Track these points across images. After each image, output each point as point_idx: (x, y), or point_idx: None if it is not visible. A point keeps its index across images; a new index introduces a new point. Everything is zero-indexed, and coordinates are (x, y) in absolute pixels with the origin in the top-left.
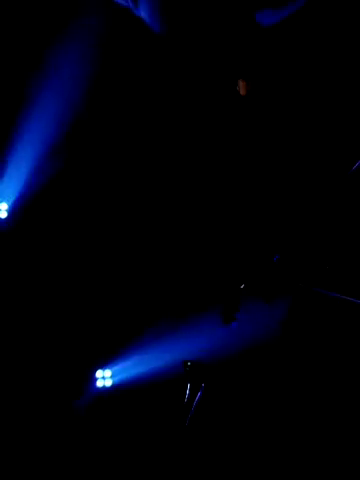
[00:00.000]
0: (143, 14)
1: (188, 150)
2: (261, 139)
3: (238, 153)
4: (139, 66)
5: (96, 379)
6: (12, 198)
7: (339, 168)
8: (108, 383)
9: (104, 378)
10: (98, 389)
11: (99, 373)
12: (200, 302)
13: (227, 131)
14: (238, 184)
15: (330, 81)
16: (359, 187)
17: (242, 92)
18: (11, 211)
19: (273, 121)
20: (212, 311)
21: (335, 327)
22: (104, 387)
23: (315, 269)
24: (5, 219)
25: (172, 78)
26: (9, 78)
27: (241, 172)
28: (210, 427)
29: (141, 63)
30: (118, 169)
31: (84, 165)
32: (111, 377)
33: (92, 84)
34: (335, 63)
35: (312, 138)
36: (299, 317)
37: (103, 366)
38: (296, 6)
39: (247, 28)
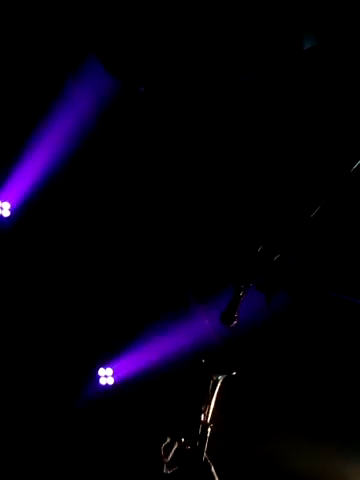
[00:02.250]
0: None
1: (189, 150)
2: (261, 139)
3: (238, 153)
4: (140, 66)
5: (98, 377)
6: (15, 197)
7: (339, 167)
8: (110, 381)
9: (106, 376)
10: (100, 387)
11: (101, 371)
12: (201, 298)
13: (227, 131)
14: (238, 183)
15: (330, 81)
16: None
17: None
18: (14, 210)
19: (273, 121)
20: (214, 307)
21: (335, 327)
22: (106, 385)
23: (316, 268)
24: (8, 218)
25: (172, 78)
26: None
27: (241, 172)
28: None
29: (141, 62)
30: (120, 168)
31: (86, 164)
32: (113, 375)
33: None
34: (335, 63)
35: (312, 138)
36: (299, 316)
37: (105, 364)
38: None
39: (247, 30)
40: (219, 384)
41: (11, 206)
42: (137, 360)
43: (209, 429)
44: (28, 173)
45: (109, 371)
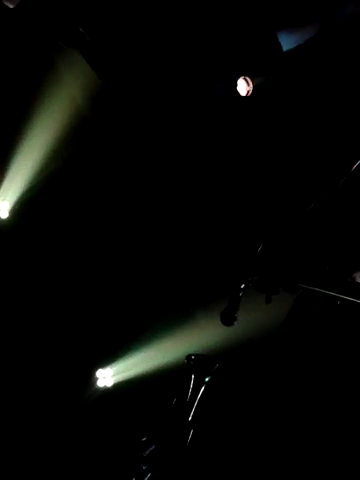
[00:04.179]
0: None
1: (188, 151)
2: (261, 139)
3: (238, 153)
4: (139, 65)
5: (97, 379)
6: (14, 197)
7: (339, 168)
8: (109, 382)
9: (105, 377)
10: (99, 388)
11: (100, 373)
12: (200, 299)
13: (227, 132)
14: (238, 184)
15: (331, 81)
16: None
17: (242, 93)
18: (12, 210)
19: (273, 121)
20: (212, 308)
21: (335, 327)
22: (105, 387)
23: (315, 269)
24: (6, 218)
25: (172, 78)
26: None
27: (241, 172)
28: (212, 424)
29: (141, 61)
30: (119, 168)
31: (84, 164)
32: (112, 376)
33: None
34: (336, 63)
35: (312, 138)
36: (299, 317)
37: (104, 365)
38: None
39: (249, 29)
40: (205, 385)
41: (9, 206)
42: (136, 361)
43: (191, 429)
44: (26, 173)
45: (108, 372)
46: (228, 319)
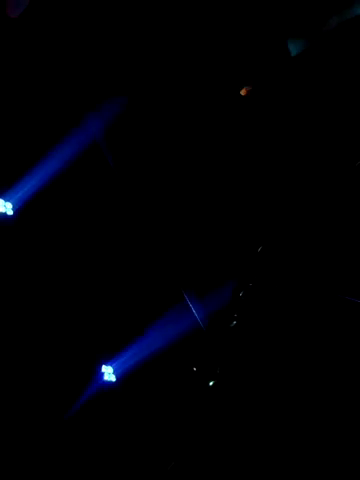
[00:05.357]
0: None
1: (188, 150)
2: (261, 139)
3: (238, 153)
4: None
5: (101, 374)
6: (18, 197)
7: (340, 167)
8: (112, 378)
9: (109, 373)
10: (103, 384)
11: (104, 368)
12: (201, 296)
13: (227, 131)
14: (238, 183)
15: (331, 80)
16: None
17: (243, 93)
18: (17, 210)
19: (273, 121)
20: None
21: (335, 327)
22: (109, 382)
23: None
24: (11, 217)
25: (173, 78)
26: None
27: (241, 172)
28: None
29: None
30: (120, 168)
31: (88, 164)
32: (115, 372)
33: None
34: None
35: (312, 138)
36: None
37: (107, 361)
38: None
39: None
40: (212, 389)
41: (14, 206)
42: (138, 357)
43: (203, 432)
44: (30, 173)
45: (110, 368)
46: (227, 319)
